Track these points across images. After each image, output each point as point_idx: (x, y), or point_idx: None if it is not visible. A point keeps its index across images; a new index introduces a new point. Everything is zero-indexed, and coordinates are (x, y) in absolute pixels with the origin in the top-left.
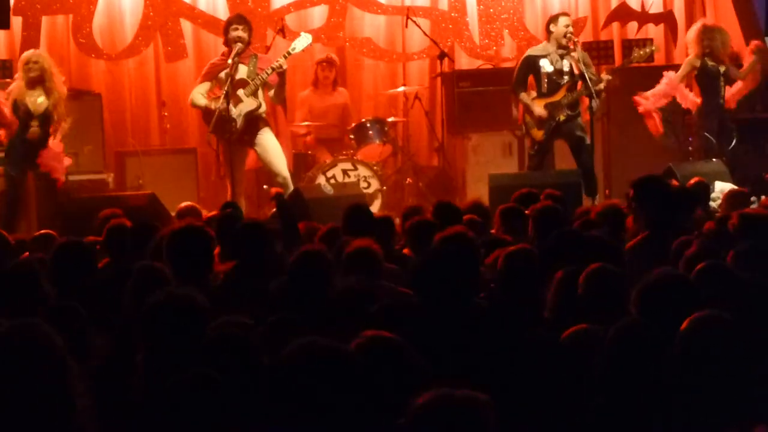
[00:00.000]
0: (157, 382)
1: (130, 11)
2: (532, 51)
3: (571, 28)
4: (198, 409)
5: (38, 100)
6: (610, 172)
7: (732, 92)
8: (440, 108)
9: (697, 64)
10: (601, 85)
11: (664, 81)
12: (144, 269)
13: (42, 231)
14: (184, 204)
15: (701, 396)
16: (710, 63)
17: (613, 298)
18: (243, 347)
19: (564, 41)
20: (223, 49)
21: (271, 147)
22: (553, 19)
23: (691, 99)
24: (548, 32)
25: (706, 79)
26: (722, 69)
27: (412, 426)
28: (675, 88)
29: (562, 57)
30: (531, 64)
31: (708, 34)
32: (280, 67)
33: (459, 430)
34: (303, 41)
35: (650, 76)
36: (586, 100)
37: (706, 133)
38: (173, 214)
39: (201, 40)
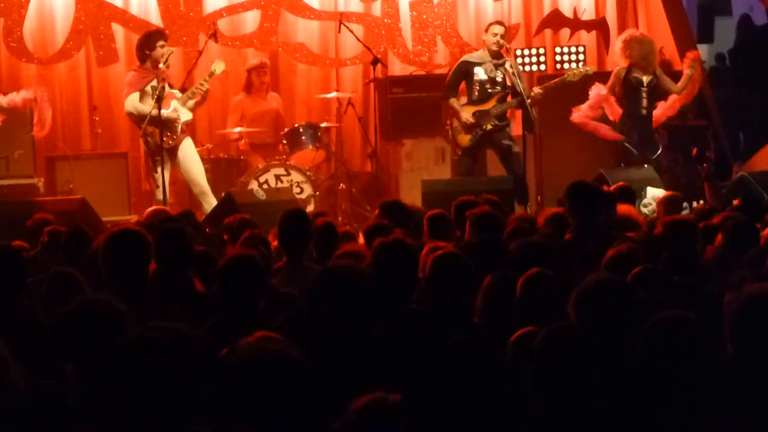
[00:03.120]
0: (88, 392)
1: (61, 15)
2: (468, 57)
3: (500, 38)
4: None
5: None
6: (542, 179)
7: (666, 106)
8: (373, 114)
9: (621, 75)
10: (529, 100)
11: (593, 93)
12: (56, 276)
13: None
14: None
15: (664, 401)
16: (632, 74)
17: (551, 302)
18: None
19: (495, 48)
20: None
21: (191, 157)
22: (487, 27)
23: (617, 111)
24: (484, 40)
25: (628, 90)
26: (646, 79)
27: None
28: (604, 99)
29: (496, 67)
30: (465, 70)
31: (632, 45)
32: (206, 90)
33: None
34: (220, 66)
35: (580, 84)
36: (517, 113)
37: (626, 144)
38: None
39: (132, 45)
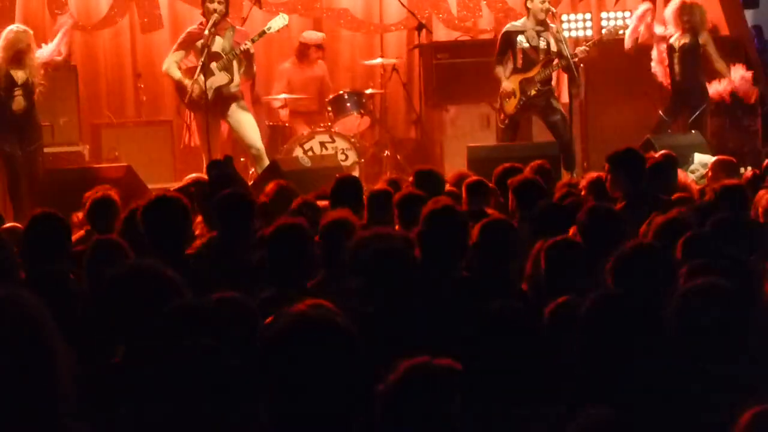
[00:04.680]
0: (138, 363)
1: None
2: (510, 27)
3: (547, 4)
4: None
5: (19, 72)
6: (588, 145)
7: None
8: (418, 80)
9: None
10: (576, 59)
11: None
12: (100, 244)
13: None
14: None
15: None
16: (673, 41)
17: (575, 270)
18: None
19: (541, 17)
20: (201, 19)
21: (244, 120)
22: None
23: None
24: (527, 8)
25: (668, 57)
26: (677, 44)
27: (390, 393)
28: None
29: (539, 34)
30: (508, 40)
31: (684, 11)
32: (248, 50)
33: (434, 398)
34: (279, 21)
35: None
36: (562, 79)
37: (660, 113)
38: (149, 186)
39: (177, 11)
